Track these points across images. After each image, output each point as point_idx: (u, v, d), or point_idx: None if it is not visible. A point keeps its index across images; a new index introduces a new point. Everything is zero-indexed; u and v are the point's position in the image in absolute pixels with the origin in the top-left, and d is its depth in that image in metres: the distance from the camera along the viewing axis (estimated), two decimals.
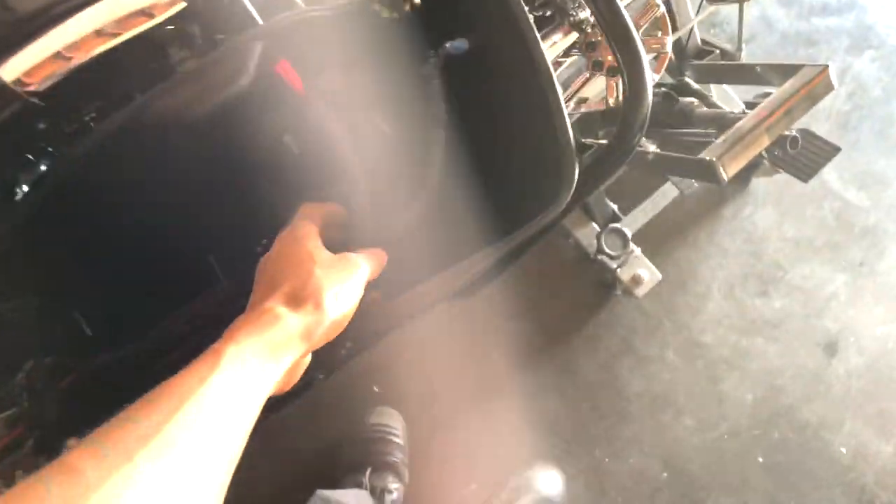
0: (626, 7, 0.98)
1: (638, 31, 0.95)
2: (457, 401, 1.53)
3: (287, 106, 0.67)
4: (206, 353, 0.48)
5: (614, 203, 1.62)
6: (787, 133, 1.20)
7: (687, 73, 1.52)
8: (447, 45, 0.67)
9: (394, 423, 1.42)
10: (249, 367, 0.48)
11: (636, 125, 0.66)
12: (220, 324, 0.52)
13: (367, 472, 1.34)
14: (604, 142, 0.69)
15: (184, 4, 0.65)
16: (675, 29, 1.49)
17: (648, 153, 1.30)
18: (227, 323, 0.52)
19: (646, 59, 0.65)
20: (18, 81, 0.62)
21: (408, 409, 1.49)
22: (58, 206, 0.62)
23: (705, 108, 1.34)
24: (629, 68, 0.65)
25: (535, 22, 1.05)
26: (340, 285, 0.56)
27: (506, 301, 1.60)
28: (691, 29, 1.49)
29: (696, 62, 1.49)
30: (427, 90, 0.67)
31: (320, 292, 0.54)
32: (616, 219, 1.61)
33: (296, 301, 0.54)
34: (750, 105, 1.30)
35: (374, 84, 0.69)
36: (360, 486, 1.33)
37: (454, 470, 1.40)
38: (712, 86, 1.54)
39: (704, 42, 1.53)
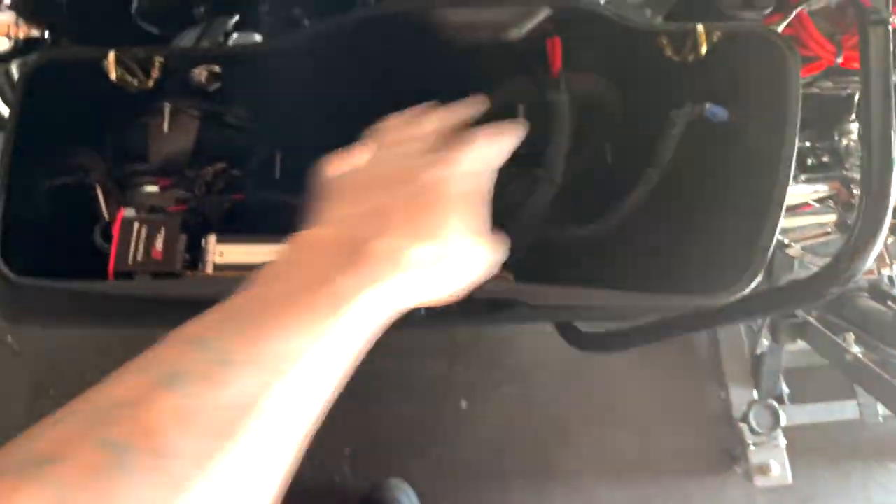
0: None
1: None
2: (515, 461, 1.48)
3: (534, 79, 0.70)
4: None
5: (789, 387, 1.49)
6: None
7: None
8: (707, 105, 0.66)
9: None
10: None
11: (858, 257, 0.61)
12: None
13: None
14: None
15: None
16: None
17: (849, 352, 1.18)
18: None
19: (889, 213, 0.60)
20: None
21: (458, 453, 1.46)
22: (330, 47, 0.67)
23: None
24: (871, 206, 0.59)
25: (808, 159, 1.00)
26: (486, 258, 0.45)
27: (622, 403, 1.52)
28: None
29: None
30: (665, 130, 0.67)
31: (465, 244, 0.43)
32: (779, 401, 1.47)
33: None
34: None
35: (615, 103, 0.70)
36: None
37: None
38: None
39: None
